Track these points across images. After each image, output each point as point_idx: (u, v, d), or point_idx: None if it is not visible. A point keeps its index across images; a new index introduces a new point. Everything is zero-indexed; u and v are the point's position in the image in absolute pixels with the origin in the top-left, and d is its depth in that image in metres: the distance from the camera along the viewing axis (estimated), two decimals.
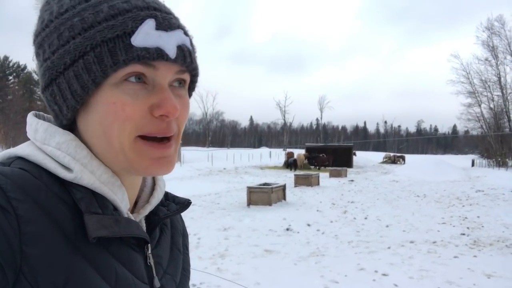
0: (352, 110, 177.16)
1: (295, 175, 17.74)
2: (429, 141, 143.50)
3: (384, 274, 5.06)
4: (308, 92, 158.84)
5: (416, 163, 27.71)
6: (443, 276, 5.02)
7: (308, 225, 8.32)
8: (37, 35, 0.55)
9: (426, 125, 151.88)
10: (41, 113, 0.59)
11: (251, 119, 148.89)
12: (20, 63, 55.83)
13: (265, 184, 12.02)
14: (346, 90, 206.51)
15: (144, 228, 0.61)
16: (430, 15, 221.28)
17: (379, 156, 53.52)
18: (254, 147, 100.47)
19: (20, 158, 0.52)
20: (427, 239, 7.10)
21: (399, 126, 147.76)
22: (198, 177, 21.04)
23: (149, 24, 0.50)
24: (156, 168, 0.54)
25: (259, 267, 5.31)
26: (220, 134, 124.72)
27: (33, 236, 0.44)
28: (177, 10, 0.57)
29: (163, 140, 0.54)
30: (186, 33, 0.55)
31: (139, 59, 0.49)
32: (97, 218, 0.50)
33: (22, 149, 0.53)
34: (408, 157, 50.34)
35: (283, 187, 11.98)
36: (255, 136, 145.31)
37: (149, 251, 0.59)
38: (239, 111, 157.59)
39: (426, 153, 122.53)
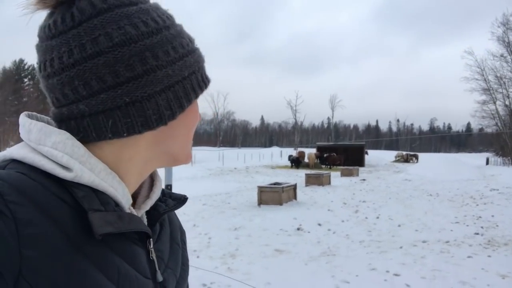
0: (364, 109, 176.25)
1: (306, 174, 17.68)
2: (442, 139, 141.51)
3: (396, 274, 5.02)
4: (319, 92, 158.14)
5: (429, 162, 27.43)
6: (456, 276, 4.95)
7: (319, 224, 8.29)
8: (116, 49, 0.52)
9: (439, 123, 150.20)
10: (33, 113, 0.58)
11: (262, 118, 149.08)
12: (35, 66, 56.67)
13: (275, 183, 12.02)
14: (358, 89, 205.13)
15: (146, 223, 0.62)
16: (444, 17, 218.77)
17: (392, 155, 52.97)
18: (265, 146, 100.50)
19: (14, 161, 0.52)
20: (440, 239, 7.02)
21: (411, 125, 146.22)
22: (209, 177, 21.14)
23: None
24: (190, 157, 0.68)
25: (270, 267, 5.31)
26: (231, 133, 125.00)
27: (32, 239, 0.44)
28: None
29: None
30: None
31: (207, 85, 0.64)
32: (100, 215, 0.49)
33: (16, 151, 0.52)
34: (421, 155, 49.76)
35: (294, 187, 11.96)
36: (266, 135, 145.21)
37: (151, 246, 0.59)
38: (250, 110, 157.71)
39: (439, 151, 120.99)
